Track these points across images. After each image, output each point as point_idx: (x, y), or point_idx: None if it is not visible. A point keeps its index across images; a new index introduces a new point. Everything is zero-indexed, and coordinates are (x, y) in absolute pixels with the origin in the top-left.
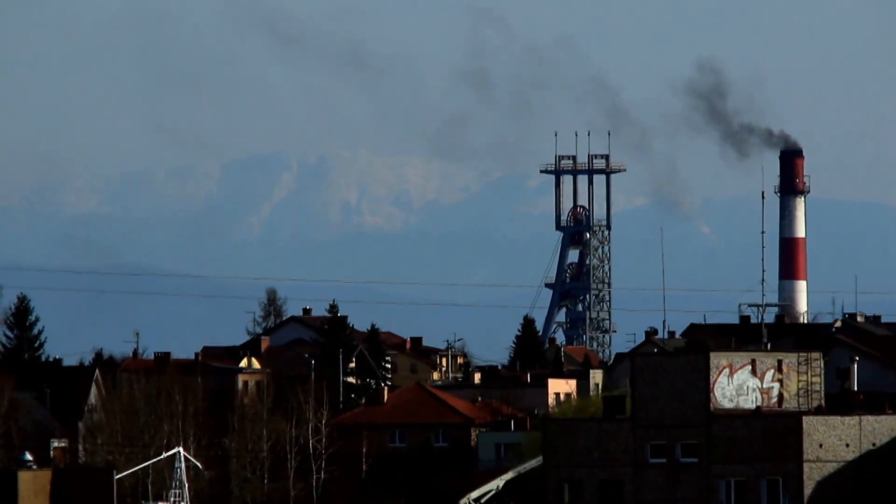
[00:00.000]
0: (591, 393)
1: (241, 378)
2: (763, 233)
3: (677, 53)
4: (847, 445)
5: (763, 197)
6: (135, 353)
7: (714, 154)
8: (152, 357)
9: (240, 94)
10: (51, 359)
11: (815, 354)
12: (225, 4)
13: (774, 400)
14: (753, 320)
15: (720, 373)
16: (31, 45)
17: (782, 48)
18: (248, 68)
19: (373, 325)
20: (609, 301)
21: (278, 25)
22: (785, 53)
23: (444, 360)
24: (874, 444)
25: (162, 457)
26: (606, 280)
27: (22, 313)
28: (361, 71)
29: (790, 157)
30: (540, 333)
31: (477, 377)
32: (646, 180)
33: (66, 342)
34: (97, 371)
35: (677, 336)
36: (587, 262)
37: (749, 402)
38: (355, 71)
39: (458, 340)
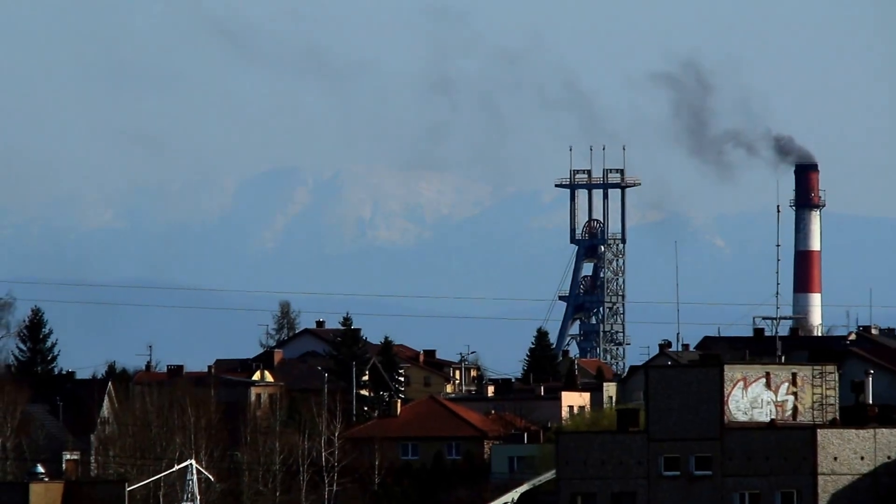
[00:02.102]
0: (605, 406)
1: (253, 391)
2: (778, 246)
3: (665, 57)
4: (862, 458)
5: (778, 210)
6: (148, 365)
7: (724, 167)
8: (165, 370)
9: (252, 109)
10: (64, 371)
11: (830, 367)
12: (200, 19)
13: (789, 413)
14: (768, 333)
15: (734, 386)
16: (39, 56)
17: (793, 56)
18: (255, 83)
19: (386, 338)
20: (623, 314)
21: (252, 38)
22: (799, 62)
23: (457, 372)
24: (889, 457)
25: (174, 469)
26: (620, 293)
27: (35, 326)
28: (326, 79)
29: (805, 171)
30: (553, 346)
31: (490, 390)
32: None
33: (79, 355)
34: (110, 384)
35: (691, 349)
36: (601, 275)
37: (763, 415)
38: (326, 80)
39: (472, 353)
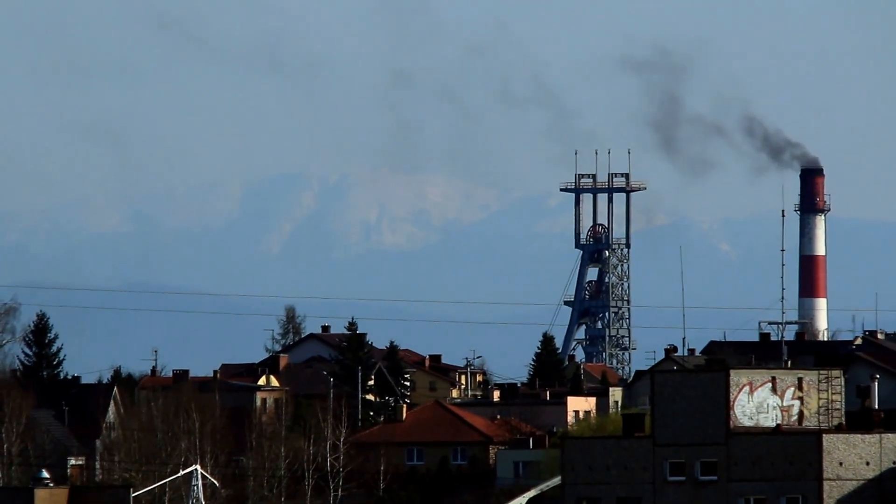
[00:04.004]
0: (611, 411)
1: (259, 396)
2: (783, 251)
3: (659, 53)
4: (867, 463)
5: (783, 215)
6: (153, 370)
7: (732, 172)
8: (171, 374)
9: (259, 113)
10: (69, 376)
11: (836, 372)
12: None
13: (794, 418)
14: (773, 338)
15: (740, 390)
16: (42, 60)
17: (796, 57)
18: (261, 87)
19: (392, 343)
20: (628, 318)
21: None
22: (803, 64)
23: (462, 377)
24: (894, 463)
25: (179, 475)
26: (626, 297)
27: (41, 331)
28: (290, 78)
29: (811, 176)
30: (559, 351)
31: (496, 395)
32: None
33: (84, 360)
34: (115, 389)
35: (697, 353)
36: (606, 279)
37: (769, 420)
38: (291, 79)
39: (477, 358)
